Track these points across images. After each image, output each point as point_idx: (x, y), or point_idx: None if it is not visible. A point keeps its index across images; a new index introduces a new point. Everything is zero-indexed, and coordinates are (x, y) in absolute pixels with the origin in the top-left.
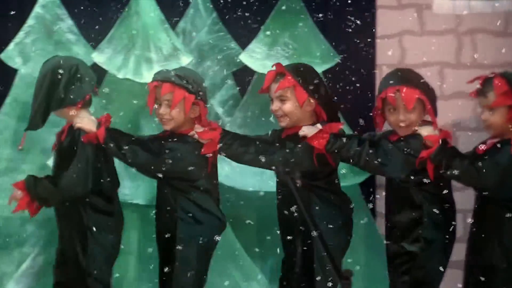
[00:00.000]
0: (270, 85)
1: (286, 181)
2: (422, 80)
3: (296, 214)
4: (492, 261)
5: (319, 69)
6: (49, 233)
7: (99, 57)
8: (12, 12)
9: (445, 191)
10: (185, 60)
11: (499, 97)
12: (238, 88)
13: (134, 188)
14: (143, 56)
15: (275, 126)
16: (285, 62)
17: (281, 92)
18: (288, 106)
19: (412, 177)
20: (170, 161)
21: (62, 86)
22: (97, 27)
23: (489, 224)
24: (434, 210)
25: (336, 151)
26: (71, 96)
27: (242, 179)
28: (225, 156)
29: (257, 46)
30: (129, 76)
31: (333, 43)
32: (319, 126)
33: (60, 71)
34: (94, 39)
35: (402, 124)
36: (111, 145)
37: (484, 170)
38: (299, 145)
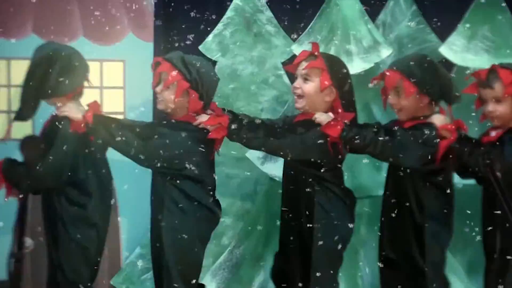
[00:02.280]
0: (300, 62)
1: (292, 171)
2: (419, 65)
3: (299, 206)
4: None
5: None
6: (246, 226)
7: (298, 49)
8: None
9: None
10: (385, 52)
11: (508, 87)
12: None
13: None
14: (342, 48)
15: (477, 117)
16: (484, 55)
17: (307, 71)
18: (309, 87)
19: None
20: (159, 147)
21: (54, 75)
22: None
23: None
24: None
25: (351, 139)
26: (63, 87)
27: None
28: (234, 141)
29: (456, 39)
30: None
31: None
32: (331, 115)
33: (54, 59)
34: (293, 31)
35: (394, 108)
36: (102, 130)
37: (504, 157)
38: (311, 132)
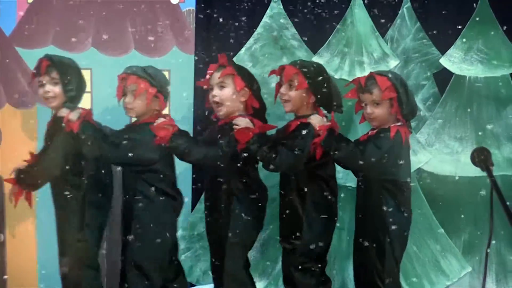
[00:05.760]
0: (212, 75)
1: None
2: (314, 67)
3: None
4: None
5: (508, 71)
6: (272, 211)
7: (318, 60)
8: (244, 22)
9: (331, 178)
10: (393, 63)
11: (385, 92)
12: (437, 87)
13: (346, 173)
14: (356, 60)
15: (472, 119)
16: (479, 66)
17: (222, 79)
18: (226, 92)
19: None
20: (126, 151)
21: (83, 81)
22: (316, 34)
23: (372, 205)
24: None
25: (254, 151)
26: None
27: (440, 165)
28: (174, 152)
29: (454, 52)
30: (345, 76)
31: None
32: (249, 123)
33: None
34: (314, 45)
35: (283, 98)
36: (83, 137)
37: (367, 152)
38: (229, 139)
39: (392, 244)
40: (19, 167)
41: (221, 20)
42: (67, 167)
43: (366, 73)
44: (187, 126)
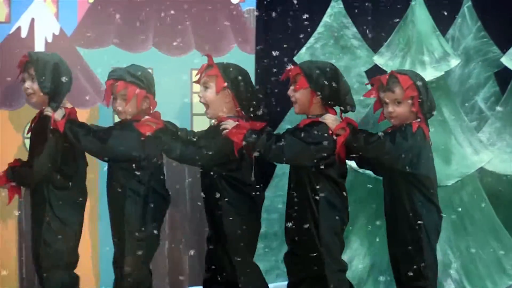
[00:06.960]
0: (201, 75)
1: (207, 171)
2: (318, 68)
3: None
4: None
5: None
6: None
7: (379, 60)
8: (304, 21)
9: (340, 179)
10: (454, 62)
11: (407, 91)
12: (498, 86)
13: None
14: (417, 59)
15: None
16: None
17: (205, 78)
18: (209, 93)
19: (318, 163)
20: (114, 146)
21: (69, 79)
22: (377, 33)
23: (399, 199)
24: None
25: (251, 145)
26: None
27: (502, 164)
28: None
29: None
30: None
31: None
32: (235, 122)
33: (64, 65)
34: (374, 44)
35: (291, 99)
36: (70, 135)
37: (397, 142)
38: (217, 139)
39: (429, 238)
40: (11, 166)
41: (281, 19)
42: (55, 167)
43: (427, 72)
44: None
